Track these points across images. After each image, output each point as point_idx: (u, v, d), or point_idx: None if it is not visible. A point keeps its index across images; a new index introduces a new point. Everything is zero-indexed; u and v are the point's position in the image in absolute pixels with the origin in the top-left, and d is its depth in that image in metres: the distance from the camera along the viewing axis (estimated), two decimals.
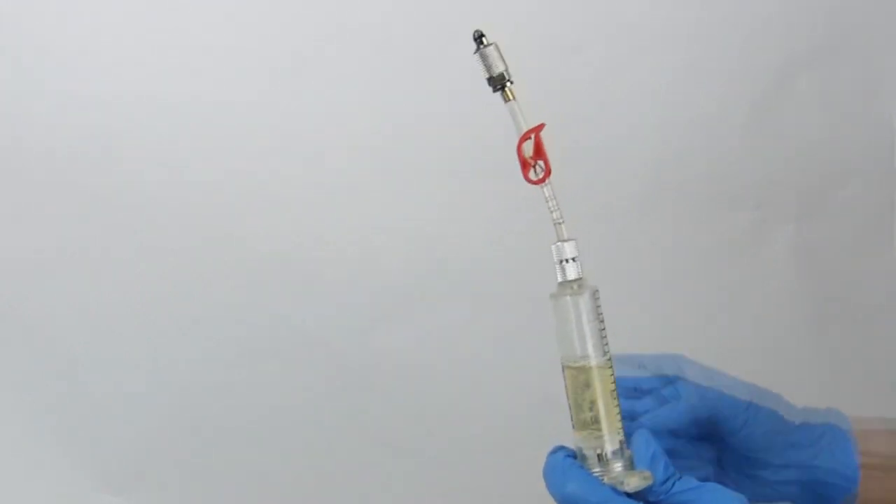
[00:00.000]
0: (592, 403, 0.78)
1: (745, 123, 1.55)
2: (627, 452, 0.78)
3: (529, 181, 0.79)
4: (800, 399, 1.67)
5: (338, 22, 1.38)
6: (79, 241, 1.35)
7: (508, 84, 0.78)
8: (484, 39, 0.78)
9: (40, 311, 1.35)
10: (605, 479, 0.76)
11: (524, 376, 1.47)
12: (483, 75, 0.79)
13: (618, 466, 0.77)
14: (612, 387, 0.78)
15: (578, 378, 0.78)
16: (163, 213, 1.36)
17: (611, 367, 0.78)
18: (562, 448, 0.79)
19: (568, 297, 0.78)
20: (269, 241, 1.40)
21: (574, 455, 0.79)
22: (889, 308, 1.65)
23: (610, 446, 0.78)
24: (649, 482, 0.75)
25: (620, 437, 0.78)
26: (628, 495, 0.75)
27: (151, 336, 1.38)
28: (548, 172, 0.78)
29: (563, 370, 0.79)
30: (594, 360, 0.78)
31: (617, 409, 0.78)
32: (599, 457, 0.78)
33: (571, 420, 0.79)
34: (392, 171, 1.42)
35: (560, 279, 0.79)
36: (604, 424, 0.78)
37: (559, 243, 0.79)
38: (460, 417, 1.49)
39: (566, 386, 0.79)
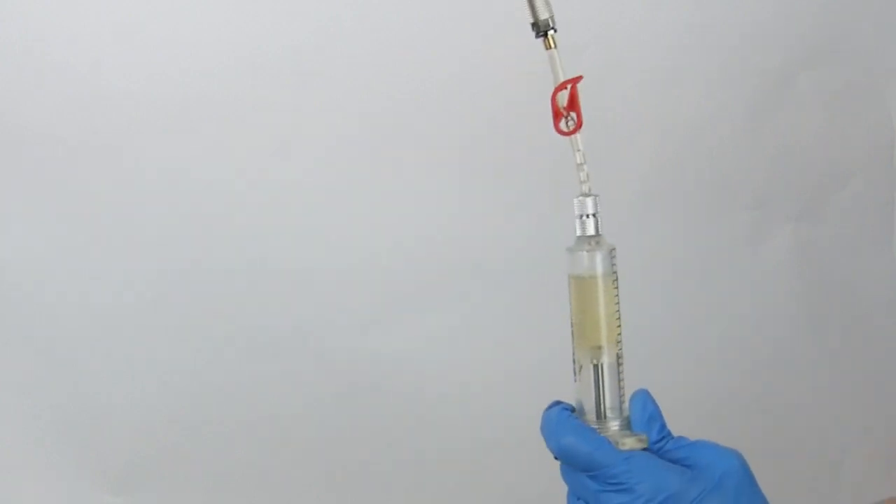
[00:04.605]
0: (594, 313, 0.77)
1: (745, 123, 1.55)
2: (625, 412, 0.77)
3: (560, 132, 0.77)
4: (800, 399, 1.68)
5: (337, 22, 1.38)
6: (79, 241, 1.35)
7: (551, 32, 0.78)
8: None
9: (40, 311, 1.35)
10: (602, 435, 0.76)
11: (523, 377, 1.47)
12: (528, 20, 0.77)
13: (615, 425, 0.77)
14: (616, 301, 0.78)
15: (583, 288, 0.77)
16: (163, 213, 1.36)
17: (616, 284, 0.78)
18: (558, 403, 0.79)
19: (584, 252, 0.78)
20: (269, 241, 1.40)
21: (571, 409, 0.78)
22: (889, 308, 1.65)
23: (607, 358, 0.77)
24: (644, 445, 0.75)
25: (619, 349, 0.78)
26: None
27: (151, 336, 1.38)
28: (579, 125, 0.77)
29: (569, 283, 0.78)
30: (601, 269, 0.77)
31: (618, 323, 0.78)
32: (598, 412, 0.77)
33: (572, 336, 0.78)
34: (391, 171, 1.42)
35: (579, 233, 0.78)
36: (603, 336, 0.77)
37: (582, 197, 0.78)
38: (460, 418, 1.49)
39: (570, 299, 0.78)
